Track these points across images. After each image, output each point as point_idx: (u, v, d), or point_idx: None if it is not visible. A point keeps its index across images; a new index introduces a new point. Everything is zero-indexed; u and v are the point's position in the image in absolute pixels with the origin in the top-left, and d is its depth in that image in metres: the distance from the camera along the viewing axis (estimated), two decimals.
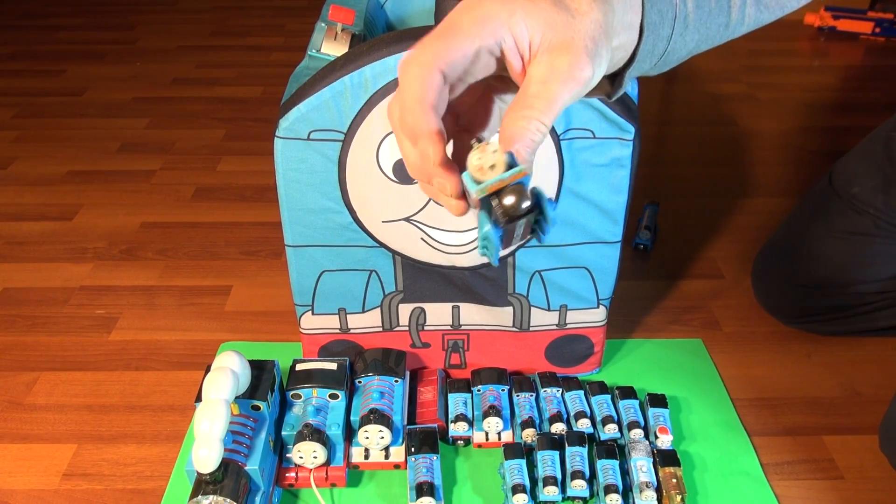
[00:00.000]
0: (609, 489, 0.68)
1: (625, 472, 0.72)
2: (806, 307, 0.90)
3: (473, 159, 0.36)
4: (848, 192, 0.86)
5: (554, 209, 0.38)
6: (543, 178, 0.68)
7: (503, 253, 0.37)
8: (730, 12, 0.54)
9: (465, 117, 0.43)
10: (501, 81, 0.42)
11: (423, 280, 0.76)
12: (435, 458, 0.71)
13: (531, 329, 0.80)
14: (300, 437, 0.68)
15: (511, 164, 0.35)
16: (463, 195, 0.38)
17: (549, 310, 0.79)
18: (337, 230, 0.72)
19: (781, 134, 1.44)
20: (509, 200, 0.35)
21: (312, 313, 0.78)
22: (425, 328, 0.80)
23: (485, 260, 0.73)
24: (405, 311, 0.78)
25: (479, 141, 0.36)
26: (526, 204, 0.35)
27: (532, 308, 0.78)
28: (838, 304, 0.88)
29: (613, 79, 0.48)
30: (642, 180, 1.25)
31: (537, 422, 0.76)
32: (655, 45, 0.48)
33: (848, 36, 1.91)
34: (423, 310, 0.78)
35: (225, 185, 1.27)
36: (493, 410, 0.75)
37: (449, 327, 0.80)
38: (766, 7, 0.56)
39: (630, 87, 0.68)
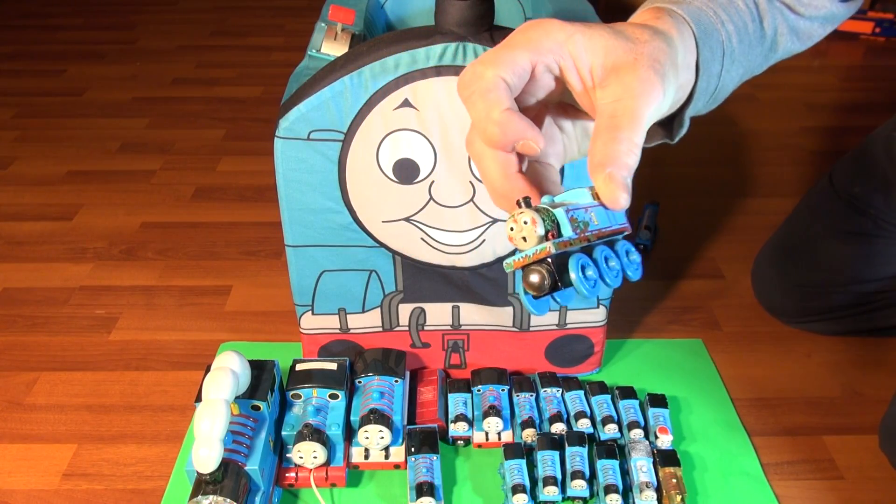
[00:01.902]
0: (609, 489, 0.68)
1: (625, 472, 0.72)
2: (806, 307, 0.90)
3: (507, 227, 0.36)
4: (848, 193, 0.86)
5: (618, 279, 0.38)
6: None
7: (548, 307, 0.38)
8: (764, 41, 0.54)
9: None
10: (560, 108, 0.42)
11: (423, 280, 0.76)
12: (435, 458, 0.71)
13: (531, 329, 0.80)
14: (300, 437, 0.68)
15: (544, 236, 0.35)
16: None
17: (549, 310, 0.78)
18: (337, 230, 0.72)
19: (781, 134, 1.44)
20: (533, 279, 0.36)
21: (312, 313, 0.78)
22: (425, 328, 0.80)
23: (485, 260, 0.73)
24: (405, 311, 0.78)
25: (522, 205, 0.36)
26: (547, 283, 0.35)
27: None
28: (838, 303, 0.88)
29: (672, 121, 0.48)
30: (642, 180, 1.25)
31: (537, 422, 0.76)
32: (709, 83, 0.48)
33: (848, 36, 1.91)
34: (423, 310, 0.78)
35: (225, 185, 1.27)
36: (493, 410, 0.75)
37: (449, 327, 0.80)
38: (799, 38, 0.58)
39: None
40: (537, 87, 0.38)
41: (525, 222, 0.35)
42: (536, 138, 0.35)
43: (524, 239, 0.35)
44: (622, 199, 0.35)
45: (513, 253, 0.37)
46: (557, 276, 0.35)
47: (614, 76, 0.37)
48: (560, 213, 0.35)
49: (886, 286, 0.86)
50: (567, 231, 0.35)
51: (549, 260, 0.35)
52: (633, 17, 0.46)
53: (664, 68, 0.38)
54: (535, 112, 0.41)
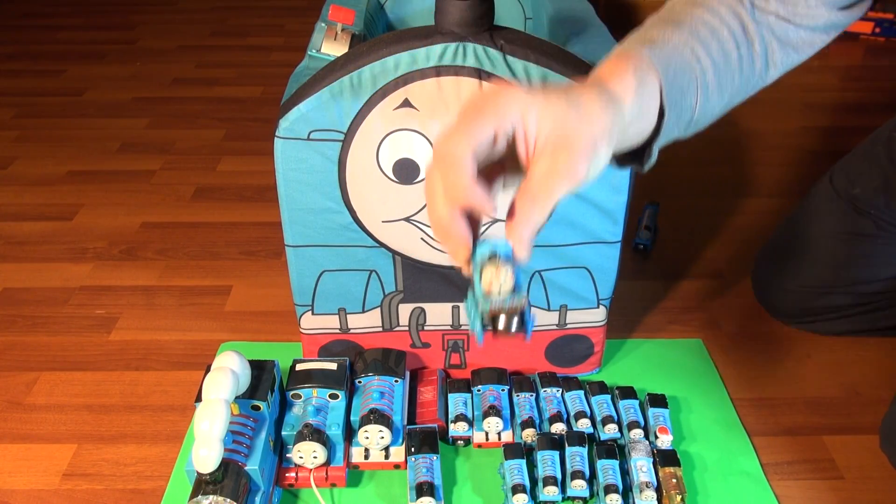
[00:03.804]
0: (609, 489, 0.68)
1: (625, 472, 0.72)
2: (806, 307, 0.90)
3: (486, 275, 0.44)
4: (849, 193, 0.86)
5: (532, 326, 0.49)
6: None
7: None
8: (754, 64, 0.57)
9: None
10: (504, 164, 0.46)
11: (423, 280, 0.76)
12: (435, 458, 0.71)
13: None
14: (300, 437, 0.68)
15: (515, 288, 0.44)
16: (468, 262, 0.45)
17: (549, 310, 0.79)
18: (337, 230, 0.72)
19: (781, 134, 1.44)
20: (502, 325, 0.43)
21: (312, 313, 0.78)
22: (425, 328, 0.80)
23: None
24: (405, 311, 0.78)
25: (494, 256, 0.44)
26: (514, 329, 0.43)
27: (532, 308, 0.78)
28: (838, 304, 0.88)
29: (644, 149, 0.52)
30: (642, 180, 1.25)
31: (537, 422, 0.76)
32: (681, 116, 0.52)
33: (848, 36, 1.91)
34: (423, 310, 0.78)
35: (225, 185, 1.27)
36: (493, 410, 0.75)
37: (449, 327, 0.80)
38: (797, 49, 0.59)
39: None
40: (496, 150, 0.43)
41: (505, 276, 0.44)
42: (489, 209, 0.42)
43: (499, 291, 0.44)
44: (525, 257, 0.43)
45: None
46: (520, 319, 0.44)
47: (550, 153, 0.42)
48: (518, 272, 0.44)
49: (886, 287, 0.86)
50: (524, 287, 0.43)
51: (522, 310, 0.44)
52: (601, 65, 0.50)
53: (598, 150, 0.43)
54: (490, 169, 0.46)
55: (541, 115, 0.41)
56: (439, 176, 0.42)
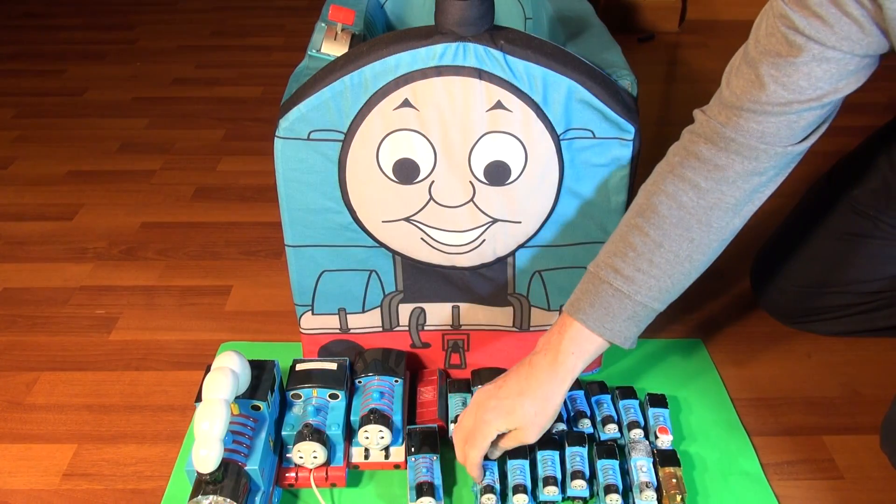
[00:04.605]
0: (609, 489, 0.68)
1: (625, 472, 0.72)
2: (806, 307, 0.90)
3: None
4: (848, 194, 0.86)
5: None
6: (543, 178, 0.68)
7: None
8: (687, 249, 0.64)
9: None
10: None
11: (423, 280, 0.76)
12: (435, 458, 0.71)
13: (531, 329, 0.80)
14: (300, 437, 0.68)
15: None
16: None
17: (549, 310, 0.79)
18: (337, 230, 0.72)
19: None
20: None
21: (312, 313, 0.78)
22: (425, 328, 0.80)
23: (485, 260, 0.73)
24: (405, 311, 0.78)
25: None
26: None
27: (532, 308, 0.78)
28: (838, 303, 0.88)
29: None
30: (642, 180, 1.25)
31: None
32: (641, 325, 0.66)
33: None
34: (423, 310, 0.78)
35: (225, 185, 1.27)
36: None
37: (449, 327, 0.80)
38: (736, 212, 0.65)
39: (630, 87, 0.68)
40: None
41: None
42: (480, 478, 0.69)
43: None
44: (478, 478, 0.69)
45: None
46: None
47: (514, 433, 0.67)
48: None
49: (885, 286, 0.85)
50: None
51: None
52: (554, 324, 0.67)
53: (545, 427, 0.67)
54: None
55: (520, 419, 0.65)
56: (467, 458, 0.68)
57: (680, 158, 0.63)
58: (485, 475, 0.69)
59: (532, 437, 0.66)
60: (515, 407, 0.65)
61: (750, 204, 0.64)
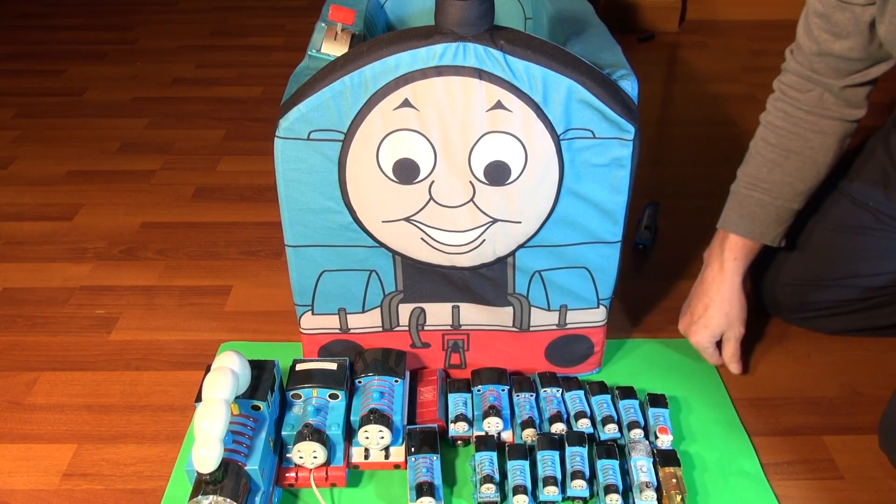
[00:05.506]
0: (609, 489, 0.68)
1: (625, 472, 0.72)
2: (804, 301, 0.90)
3: None
4: (847, 187, 0.86)
5: None
6: (543, 178, 0.68)
7: None
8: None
9: None
10: None
11: (423, 280, 0.76)
12: (435, 458, 0.71)
13: (531, 329, 0.80)
14: (300, 437, 0.69)
15: None
16: None
17: (549, 310, 0.79)
18: (337, 230, 0.72)
19: None
20: None
21: (312, 313, 0.78)
22: (425, 328, 0.80)
23: (485, 260, 0.74)
24: (405, 311, 0.78)
25: None
26: None
27: (532, 308, 0.78)
28: (838, 298, 0.88)
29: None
30: (642, 180, 1.25)
31: (537, 422, 0.76)
32: (779, 217, 0.83)
33: None
34: (423, 310, 0.78)
35: (225, 185, 1.27)
36: (493, 410, 0.75)
37: (449, 327, 0.80)
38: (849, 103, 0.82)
39: (630, 87, 0.68)
40: None
41: None
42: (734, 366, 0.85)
43: None
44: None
45: None
46: None
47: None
48: None
49: (885, 282, 0.85)
50: None
51: None
52: (713, 241, 0.87)
53: (740, 323, 0.85)
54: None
55: (717, 335, 0.84)
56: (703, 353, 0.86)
57: (782, 87, 0.81)
58: (486, 467, 0.69)
59: (741, 330, 0.84)
60: (710, 320, 0.82)
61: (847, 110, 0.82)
